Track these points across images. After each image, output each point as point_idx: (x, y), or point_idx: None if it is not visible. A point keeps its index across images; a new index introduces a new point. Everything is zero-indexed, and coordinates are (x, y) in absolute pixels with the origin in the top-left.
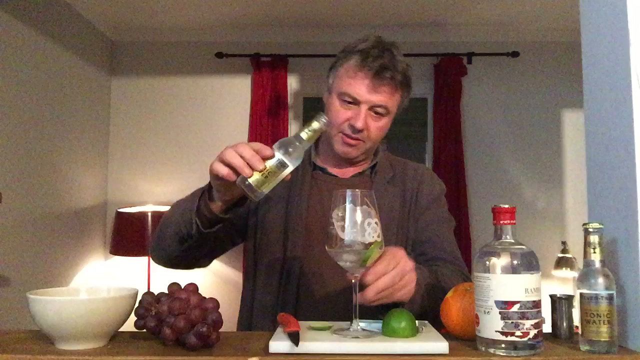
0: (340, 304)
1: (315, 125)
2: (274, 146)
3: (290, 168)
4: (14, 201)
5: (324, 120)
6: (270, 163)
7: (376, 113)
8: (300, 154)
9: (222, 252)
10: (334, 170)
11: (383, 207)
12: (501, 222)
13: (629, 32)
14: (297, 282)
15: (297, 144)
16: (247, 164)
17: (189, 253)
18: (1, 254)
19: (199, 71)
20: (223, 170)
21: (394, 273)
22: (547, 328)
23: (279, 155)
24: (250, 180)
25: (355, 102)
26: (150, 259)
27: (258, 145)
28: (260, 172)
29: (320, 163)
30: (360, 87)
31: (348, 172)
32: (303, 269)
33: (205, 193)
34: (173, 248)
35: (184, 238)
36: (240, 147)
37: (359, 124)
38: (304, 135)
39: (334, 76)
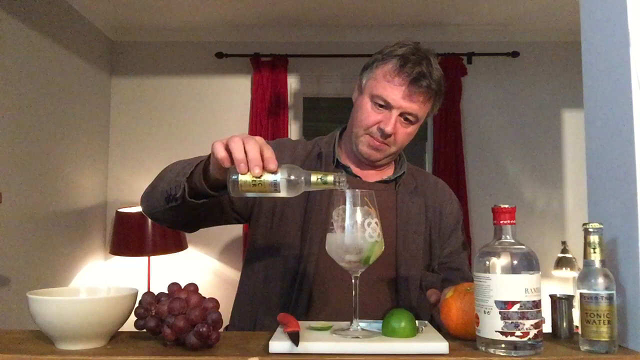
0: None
1: (329, 179)
2: (281, 165)
3: (279, 195)
4: (14, 201)
5: (340, 182)
6: (266, 177)
7: (406, 119)
8: (297, 191)
9: (213, 225)
10: (356, 171)
11: (410, 219)
12: (501, 222)
13: (629, 32)
14: (312, 281)
15: (302, 180)
16: (247, 162)
17: (173, 214)
18: (1, 254)
19: (199, 71)
20: (221, 153)
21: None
22: (547, 328)
23: (279, 177)
24: (239, 177)
25: (388, 106)
26: (150, 260)
27: (269, 152)
28: (253, 176)
29: (342, 161)
30: (395, 92)
31: (370, 175)
32: (319, 267)
33: (202, 164)
34: (159, 203)
35: (170, 198)
36: (250, 143)
37: (389, 129)
38: (314, 178)
39: (368, 77)
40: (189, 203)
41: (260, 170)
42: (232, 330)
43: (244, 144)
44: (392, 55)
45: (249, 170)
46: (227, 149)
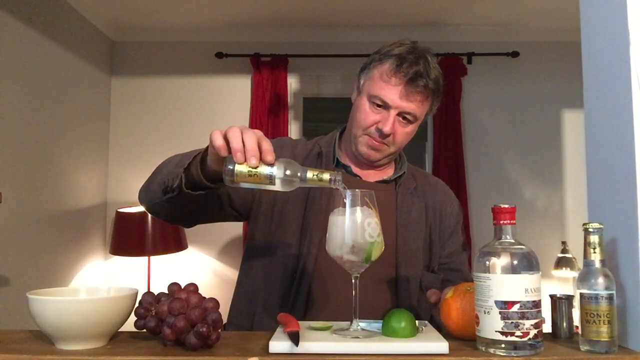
0: (351, 306)
1: (325, 176)
2: (279, 159)
3: (273, 188)
4: (14, 201)
5: (336, 181)
6: (262, 169)
7: (404, 119)
8: (292, 185)
9: (210, 221)
10: (356, 171)
11: (410, 219)
12: (501, 222)
13: (629, 32)
14: (311, 280)
15: (298, 175)
16: (245, 152)
17: (170, 206)
18: (1, 254)
19: (199, 71)
20: (218, 141)
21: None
22: (547, 328)
23: (275, 171)
24: (236, 166)
25: (386, 106)
26: (150, 260)
27: (267, 145)
28: (249, 167)
29: (343, 160)
30: (392, 92)
31: (370, 175)
32: (318, 266)
33: (200, 155)
34: (157, 195)
35: (167, 189)
36: (248, 133)
37: (387, 129)
38: (310, 175)
39: (366, 78)
40: (185, 194)
41: (257, 160)
42: (230, 328)
43: (242, 134)
44: (389, 55)
45: (245, 160)
46: (225, 139)
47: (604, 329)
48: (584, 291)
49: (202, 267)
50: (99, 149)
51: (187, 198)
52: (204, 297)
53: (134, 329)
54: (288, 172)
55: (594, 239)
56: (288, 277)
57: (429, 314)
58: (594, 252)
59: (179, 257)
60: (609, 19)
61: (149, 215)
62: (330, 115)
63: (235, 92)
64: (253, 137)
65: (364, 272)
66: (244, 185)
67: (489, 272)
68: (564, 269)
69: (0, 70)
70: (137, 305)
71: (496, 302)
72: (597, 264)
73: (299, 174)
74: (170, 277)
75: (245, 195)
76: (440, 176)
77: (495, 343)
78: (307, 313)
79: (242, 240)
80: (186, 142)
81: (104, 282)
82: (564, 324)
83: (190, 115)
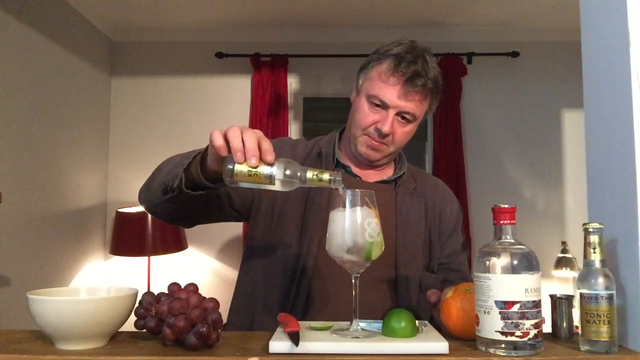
0: (351, 306)
1: (325, 177)
2: (279, 159)
3: (273, 188)
4: (14, 201)
5: (336, 181)
6: (262, 169)
7: (403, 118)
8: (292, 185)
9: (210, 221)
10: (356, 171)
11: (410, 219)
12: (501, 222)
13: (629, 32)
14: (310, 280)
15: (298, 175)
16: (244, 152)
17: (170, 206)
18: (1, 254)
19: (199, 71)
20: (218, 141)
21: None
22: (547, 328)
23: (274, 170)
24: (235, 166)
25: (384, 106)
26: (150, 260)
27: (267, 144)
28: (249, 166)
29: (342, 161)
30: (391, 92)
31: (369, 175)
32: (318, 266)
33: (200, 155)
34: (157, 195)
35: (167, 189)
36: (247, 133)
37: (386, 129)
38: (309, 175)
39: (364, 77)
40: (185, 194)
41: (256, 160)
42: (229, 328)
43: (242, 133)
44: (387, 55)
45: (245, 160)
46: (225, 138)
47: (604, 329)
48: (584, 291)
49: (202, 267)
50: (99, 149)
51: (187, 198)
52: (204, 297)
53: (134, 329)
54: (288, 172)
55: (594, 239)
56: (288, 277)
57: (429, 314)
58: (594, 252)
59: (179, 257)
60: (609, 19)
61: (149, 215)
62: (330, 115)
63: (235, 92)
64: (253, 136)
65: (364, 272)
66: (243, 185)
67: (489, 272)
68: (564, 269)
69: (0, 70)
70: (137, 305)
71: (496, 302)
72: (597, 264)
73: (298, 174)
74: (170, 277)
75: (245, 195)
76: (440, 176)
77: (495, 343)
78: (307, 313)
79: (242, 240)
80: (186, 142)
81: (104, 282)
82: (564, 324)
83: (190, 115)
